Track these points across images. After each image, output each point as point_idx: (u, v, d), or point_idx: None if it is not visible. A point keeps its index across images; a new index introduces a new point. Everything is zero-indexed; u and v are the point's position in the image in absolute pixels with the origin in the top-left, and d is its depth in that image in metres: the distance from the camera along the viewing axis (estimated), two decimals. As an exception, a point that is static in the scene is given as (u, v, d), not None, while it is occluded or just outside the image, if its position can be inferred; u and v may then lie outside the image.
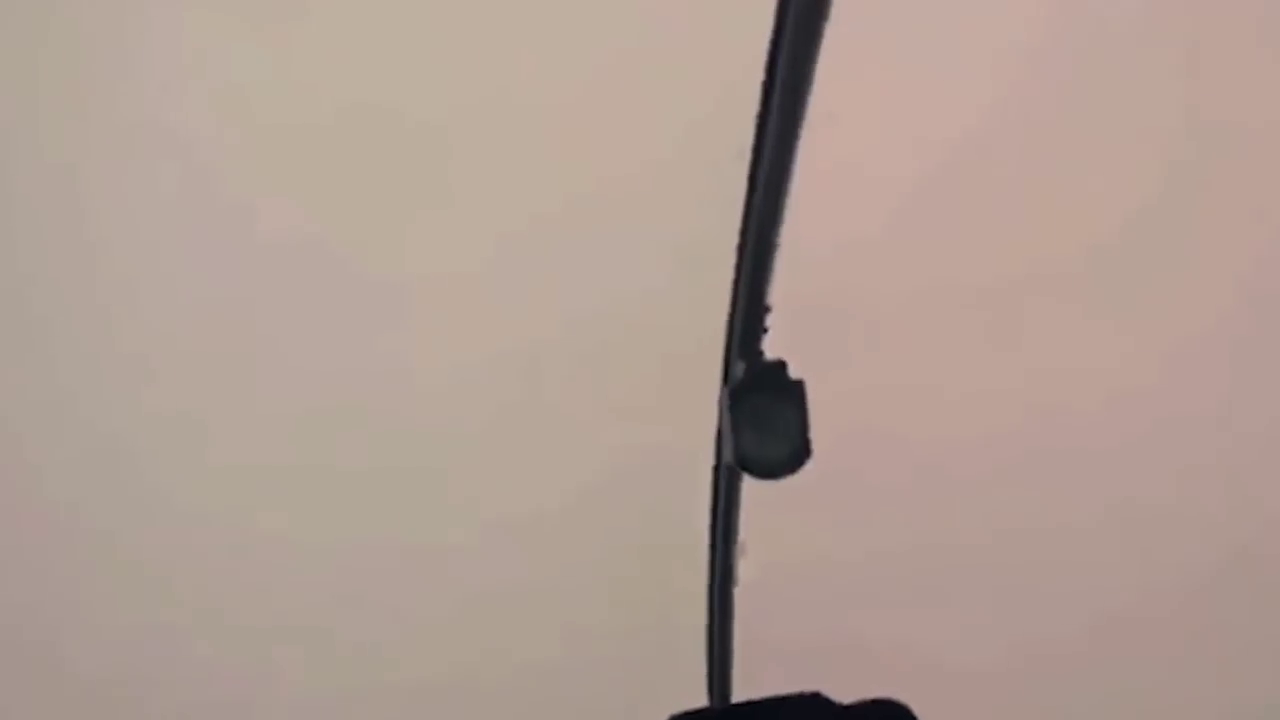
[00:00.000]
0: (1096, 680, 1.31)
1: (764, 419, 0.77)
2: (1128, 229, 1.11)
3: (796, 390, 0.77)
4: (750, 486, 0.87)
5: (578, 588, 1.19)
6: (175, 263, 1.10)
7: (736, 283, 0.79)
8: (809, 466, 0.77)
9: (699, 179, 0.92)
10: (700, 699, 0.94)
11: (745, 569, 0.91)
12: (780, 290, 0.78)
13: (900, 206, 1.06)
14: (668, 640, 1.03)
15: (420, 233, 1.09)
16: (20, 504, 1.20)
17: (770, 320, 0.80)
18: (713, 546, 0.90)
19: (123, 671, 1.28)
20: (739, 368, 0.79)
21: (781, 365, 0.78)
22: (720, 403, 0.81)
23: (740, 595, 0.92)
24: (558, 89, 1.00)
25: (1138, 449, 1.19)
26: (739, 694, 0.89)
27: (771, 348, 0.81)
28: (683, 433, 0.95)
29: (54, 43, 1.02)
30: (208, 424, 1.16)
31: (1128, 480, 1.21)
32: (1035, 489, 1.20)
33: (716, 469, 0.88)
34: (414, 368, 1.13)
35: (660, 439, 1.05)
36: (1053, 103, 1.06)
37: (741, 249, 0.77)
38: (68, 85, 1.04)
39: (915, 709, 0.85)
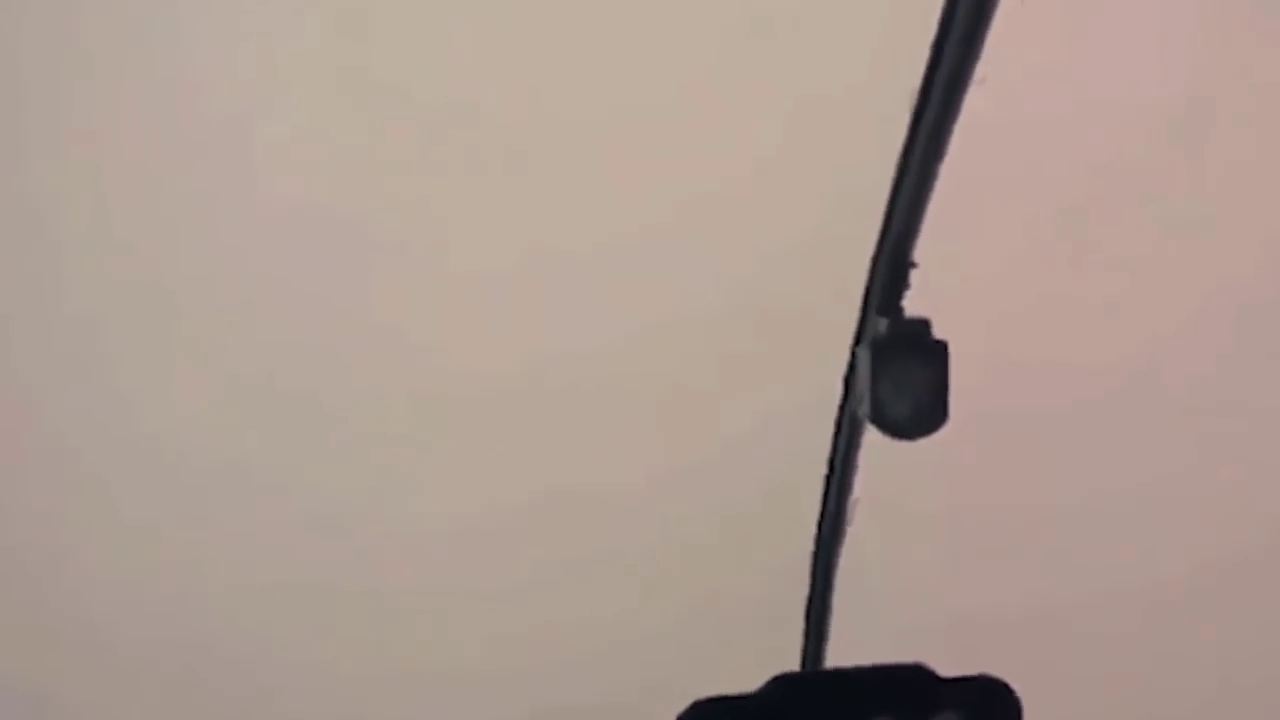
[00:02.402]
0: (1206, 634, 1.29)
1: (904, 377, 0.75)
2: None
3: (939, 350, 0.75)
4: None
5: (678, 553, 1.19)
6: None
7: (883, 235, 0.76)
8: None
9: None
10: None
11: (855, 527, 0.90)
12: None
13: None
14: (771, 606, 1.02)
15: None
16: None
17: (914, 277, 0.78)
18: (825, 500, 0.89)
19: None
20: (880, 323, 0.77)
21: (925, 324, 0.76)
22: (856, 357, 0.79)
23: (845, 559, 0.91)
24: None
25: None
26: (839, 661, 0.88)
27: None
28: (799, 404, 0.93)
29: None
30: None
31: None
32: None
33: (839, 421, 0.86)
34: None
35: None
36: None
37: (893, 200, 0.75)
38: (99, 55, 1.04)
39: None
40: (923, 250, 0.74)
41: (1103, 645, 1.25)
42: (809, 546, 0.91)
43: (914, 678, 0.81)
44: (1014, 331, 1.19)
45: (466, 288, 1.19)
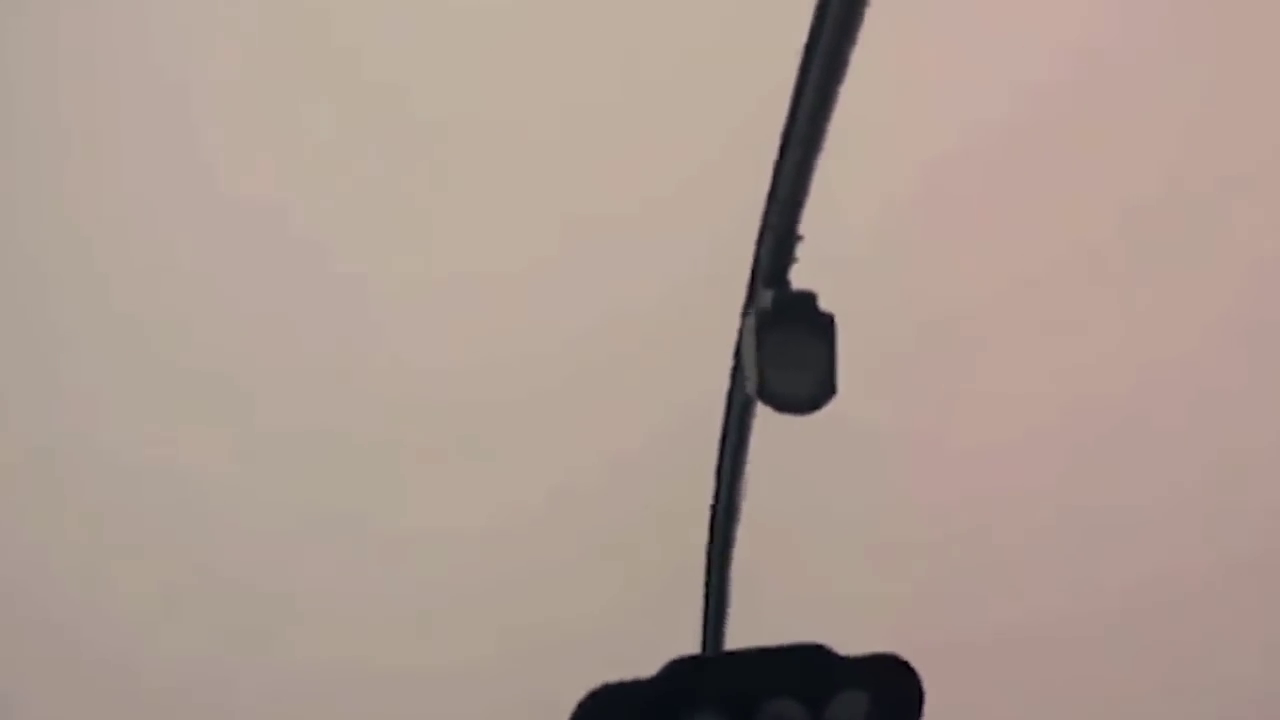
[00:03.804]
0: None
1: (791, 351, 0.73)
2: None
3: (826, 323, 0.74)
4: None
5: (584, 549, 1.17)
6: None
7: (769, 206, 0.75)
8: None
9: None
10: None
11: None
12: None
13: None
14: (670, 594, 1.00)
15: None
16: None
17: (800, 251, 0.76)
18: (718, 483, 0.87)
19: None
20: (765, 296, 0.75)
21: (812, 296, 0.75)
22: (742, 332, 0.77)
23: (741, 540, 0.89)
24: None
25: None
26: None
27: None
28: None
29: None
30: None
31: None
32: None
33: (730, 402, 0.84)
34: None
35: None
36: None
37: (778, 171, 0.73)
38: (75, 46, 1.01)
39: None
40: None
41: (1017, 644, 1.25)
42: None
43: (814, 658, 0.80)
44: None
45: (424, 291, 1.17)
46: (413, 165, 1.10)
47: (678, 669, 0.77)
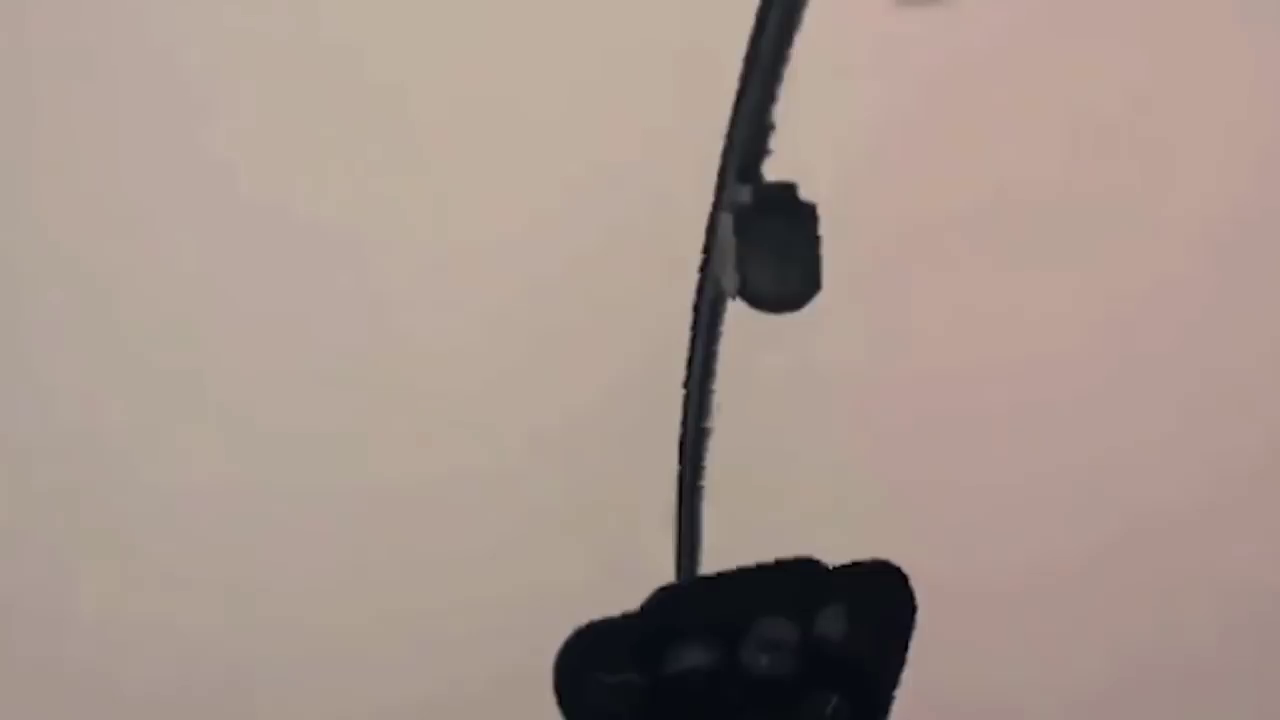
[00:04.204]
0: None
1: (773, 247, 0.68)
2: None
3: (809, 213, 0.68)
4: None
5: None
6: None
7: (740, 96, 0.69)
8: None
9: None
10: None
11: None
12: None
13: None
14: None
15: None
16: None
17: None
18: (688, 393, 0.82)
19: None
20: (743, 191, 0.69)
21: (793, 186, 0.69)
22: (717, 229, 0.71)
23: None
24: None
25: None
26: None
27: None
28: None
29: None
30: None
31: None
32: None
33: (697, 303, 0.79)
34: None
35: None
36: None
37: (750, 59, 0.67)
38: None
39: None
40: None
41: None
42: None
43: (801, 571, 0.76)
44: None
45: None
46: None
47: (662, 599, 0.73)
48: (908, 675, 0.75)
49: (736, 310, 0.71)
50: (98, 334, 1.08)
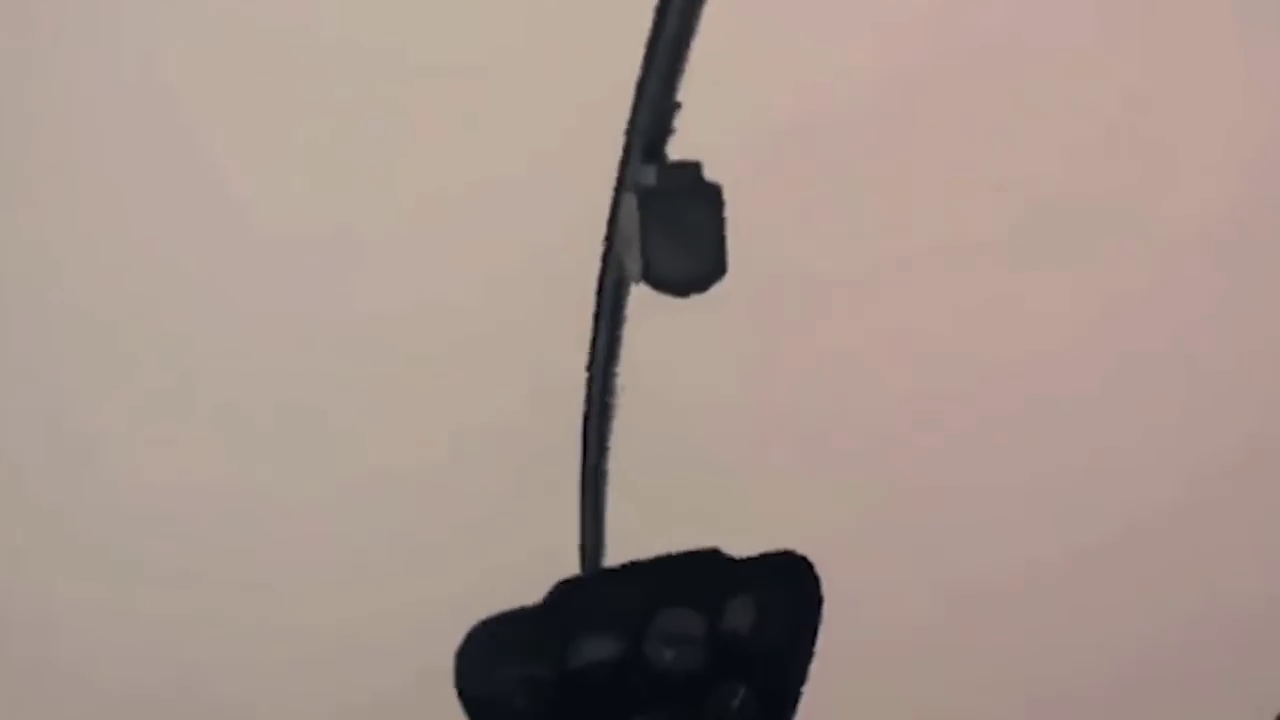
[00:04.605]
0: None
1: (678, 229, 0.66)
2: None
3: (715, 194, 0.66)
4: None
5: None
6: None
7: (644, 75, 0.66)
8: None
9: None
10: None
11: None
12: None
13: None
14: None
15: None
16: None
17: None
18: (591, 376, 0.79)
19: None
20: (647, 172, 0.66)
21: (697, 166, 0.67)
22: (620, 209, 0.69)
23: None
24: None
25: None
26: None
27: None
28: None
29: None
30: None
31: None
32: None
33: (600, 286, 0.76)
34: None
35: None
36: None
37: (654, 36, 0.64)
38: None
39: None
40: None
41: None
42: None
43: (706, 563, 0.74)
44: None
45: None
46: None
47: (564, 592, 0.71)
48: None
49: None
50: (98, 334, 1.04)
